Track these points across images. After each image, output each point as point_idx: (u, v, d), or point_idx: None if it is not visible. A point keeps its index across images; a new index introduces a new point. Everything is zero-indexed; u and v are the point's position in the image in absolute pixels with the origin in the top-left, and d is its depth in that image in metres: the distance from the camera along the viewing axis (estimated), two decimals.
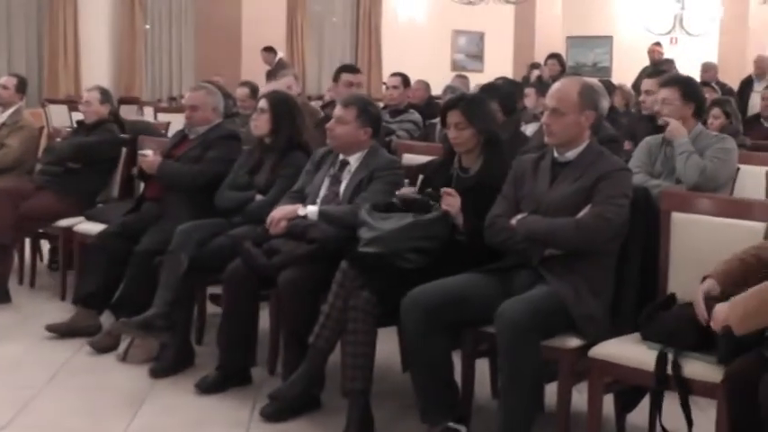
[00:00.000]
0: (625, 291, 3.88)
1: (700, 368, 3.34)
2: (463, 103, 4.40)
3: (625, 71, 15.81)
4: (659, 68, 10.69)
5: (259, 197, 5.08)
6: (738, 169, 5.16)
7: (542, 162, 4.04)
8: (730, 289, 3.24)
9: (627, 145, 5.92)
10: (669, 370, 3.38)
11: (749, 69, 12.56)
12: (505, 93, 6.29)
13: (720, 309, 3.17)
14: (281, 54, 13.95)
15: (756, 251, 3.41)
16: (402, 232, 4.09)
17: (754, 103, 10.74)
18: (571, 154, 3.96)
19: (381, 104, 8.18)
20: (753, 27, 15.86)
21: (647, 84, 6.31)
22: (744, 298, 3.05)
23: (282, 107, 5.22)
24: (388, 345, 4.65)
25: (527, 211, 3.92)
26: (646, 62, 13.58)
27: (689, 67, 12.28)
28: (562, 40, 18.52)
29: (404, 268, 4.07)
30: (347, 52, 18.00)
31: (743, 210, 3.82)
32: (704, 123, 5.58)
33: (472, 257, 4.05)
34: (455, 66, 18.90)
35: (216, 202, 5.22)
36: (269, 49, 13.75)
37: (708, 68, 12.57)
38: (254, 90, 7.96)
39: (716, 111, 7.41)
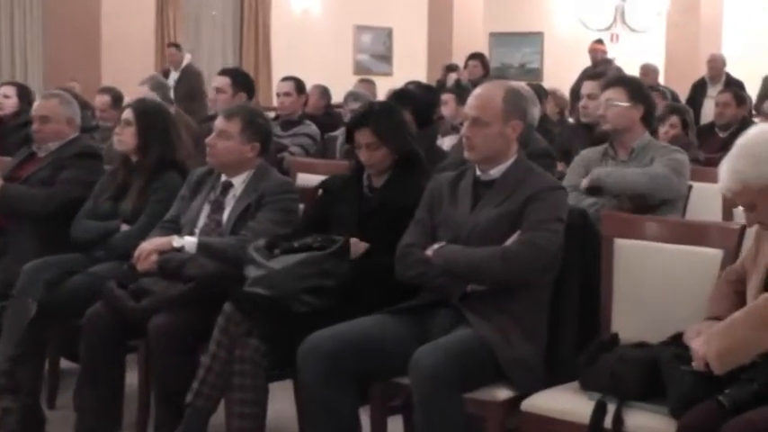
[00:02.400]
0: (561, 331, 3.94)
1: (648, 420, 3.40)
2: (373, 119, 4.46)
3: (558, 73, 16.10)
4: (599, 70, 10.88)
5: (125, 227, 5.04)
6: (691, 187, 5.28)
7: (462, 181, 4.10)
8: None
9: (560, 165, 6.01)
10: (608, 423, 3.44)
11: (702, 70, 12.85)
12: (420, 101, 6.35)
13: (698, 346, 3.25)
14: (188, 56, 13.81)
15: (737, 276, 3.53)
16: (293, 270, 4.11)
17: (708, 111, 10.98)
18: (496, 171, 4.02)
19: (272, 115, 8.19)
20: (705, 21, 16.25)
21: (589, 86, 6.42)
22: (717, 335, 3.18)
23: (152, 118, 5.19)
24: (282, 403, 4.64)
25: (445, 240, 3.96)
26: (582, 63, 13.82)
27: (632, 69, 12.54)
28: (485, 37, 18.75)
29: (300, 312, 4.09)
30: (230, 53, 17.95)
31: (697, 234, 3.92)
32: (653, 133, 5.71)
33: (381, 296, 4.08)
34: (358, 68, 19.00)
35: (72, 233, 5.15)
36: (176, 47, 13.65)
37: (648, 71, 12.85)
38: (116, 98, 7.89)
39: (674, 119, 7.57)
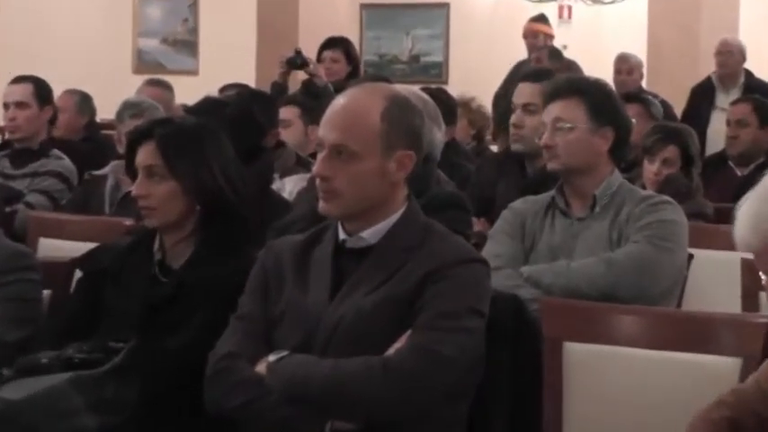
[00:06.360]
0: None
1: None
2: (164, 130, 4.49)
3: (473, 72, 16.27)
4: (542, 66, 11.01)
5: None
6: (691, 257, 5.31)
7: (316, 250, 4.15)
8: None
9: (478, 224, 6.07)
10: None
11: (707, 67, 13.02)
12: (243, 117, 6.40)
13: None
14: None
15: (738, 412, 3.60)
16: (47, 401, 4.08)
17: (718, 132, 11.00)
18: (371, 234, 4.08)
19: None
20: None
21: (526, 92, 6.49)
22: None
23: None
24: None
25: (289, 346, 4.00)
26: (512, 55, 14.02)
27: (594, 64, 12.74)
28: (354, 11, 18.89)
29: None
30: None
31: (699, 333, 4.04)
32: (625, 170, 5.77)
33: None
34: (141, 63, 19.00)
35: None
36: None
37: (630, 68, 12.98)
38: None
39: (671, 151, 7.37)
